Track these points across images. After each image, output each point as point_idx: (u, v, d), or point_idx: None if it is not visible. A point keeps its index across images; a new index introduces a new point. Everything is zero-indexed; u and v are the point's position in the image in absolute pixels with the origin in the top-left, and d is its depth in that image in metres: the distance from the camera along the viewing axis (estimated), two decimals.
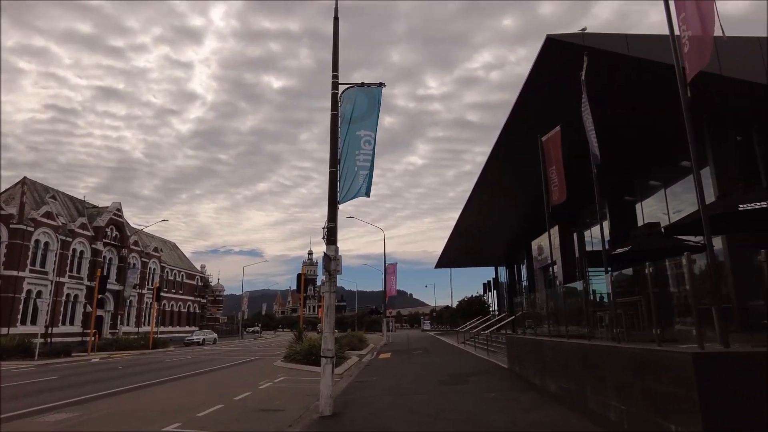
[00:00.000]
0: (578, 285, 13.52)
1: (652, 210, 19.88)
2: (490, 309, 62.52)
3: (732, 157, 14.47)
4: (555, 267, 23.35)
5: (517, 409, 8.36)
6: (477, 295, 62.56)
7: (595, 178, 10.42)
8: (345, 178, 9.41)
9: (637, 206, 21.06)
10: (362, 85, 9.99)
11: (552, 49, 12.87)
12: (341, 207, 9.44)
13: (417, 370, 15.39)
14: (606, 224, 23.37)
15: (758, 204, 6.85)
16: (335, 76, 9.87)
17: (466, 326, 32.13)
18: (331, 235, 9.12)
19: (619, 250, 10.40)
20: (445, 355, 21.00)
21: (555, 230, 23.05)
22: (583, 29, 12.76)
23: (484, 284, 43.58)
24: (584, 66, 10.58)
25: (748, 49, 13.52)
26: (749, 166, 14.56)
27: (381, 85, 10.01)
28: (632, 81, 13.52)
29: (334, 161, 9.53)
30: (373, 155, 9.49)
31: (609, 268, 8.74)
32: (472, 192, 24.98)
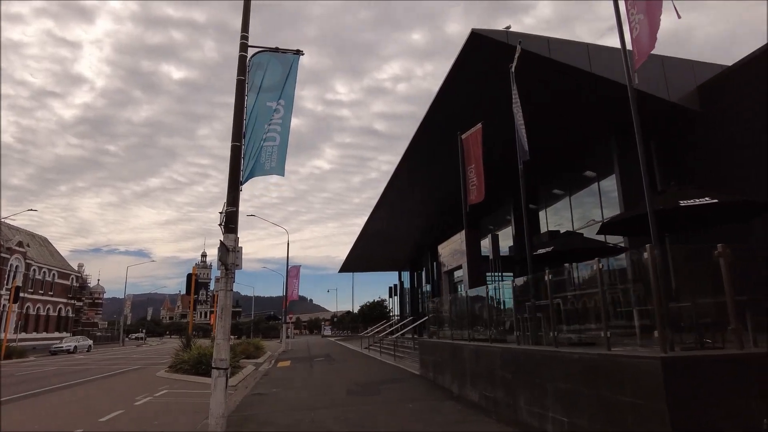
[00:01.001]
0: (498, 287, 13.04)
1: (555, 218, 20.37)
2: (391, 314, 62.73)
3: (635, 163, 14.90)
4: (461, 271, 23.19)
5: (442, 423, 7.37)
6: (379, 300, 62.42)
7: (521, 174, 9.88)
8: (250, 154, 7.90)
9: (541, 213, 21.56)
10: (276, 50, 8.55)
11: (476, 44, 12.37)
12: (244, 189, 7.91)
13: (321, 379, 14.02)
14: (510, 230, 23.77)
15: (698, 200, 6.50)
16: (244, 37, 8.34)
17: (370, 331, 31.22)
18: (230, 222, 7.56)
19: (541, 251, 9.93)
20: (350, 361, 19.81)
21: (462, 234, 22.94)
22: (508, 27, 12.40)
23: (390, 288, 43.07)
24: (516, 56, 10.03)
25: (653, 66, 14.03)
26: (649, 175, 15.12)
27: (298, 52, 8.64)
28: (548, 86, 13.42)
29: (238, 134, 7.98)
30: (287, 129, 8.08)
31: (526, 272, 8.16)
32: (382, 194, 24.21)
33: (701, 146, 13.89)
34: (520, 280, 8.53)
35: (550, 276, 6.85)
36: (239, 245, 7.73)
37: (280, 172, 7.83)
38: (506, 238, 23.80)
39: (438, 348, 11.44)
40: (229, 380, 14.02)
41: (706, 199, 6.47)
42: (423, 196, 23.90)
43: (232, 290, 7.50)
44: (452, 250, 24.31)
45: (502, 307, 9.12)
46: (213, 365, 7.12)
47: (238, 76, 8.34)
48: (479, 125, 12.49)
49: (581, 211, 18.17)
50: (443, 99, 14.44)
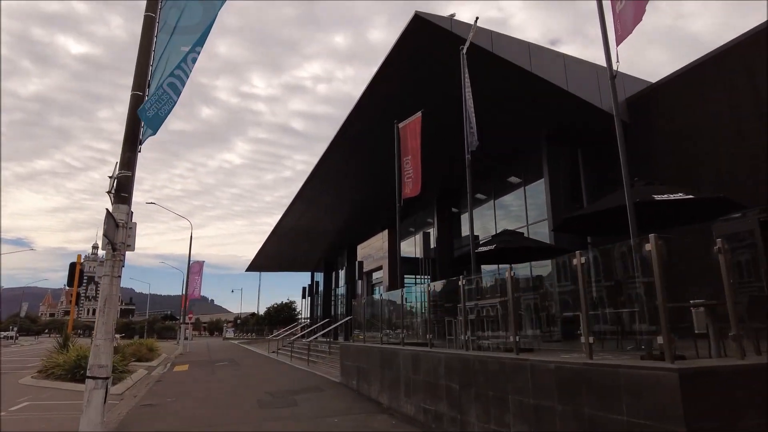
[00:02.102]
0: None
1: (479, 222, 20.08)
2: (299, 316, 60.51)
3: (564, 171, 14.85)
4: (381, 272, 22.27)
5: None
6: (287, 301, 59.98)
7: (468, 164, 9.03)
8: (152, 105, 6.22)
9: (463, 217, 21.23)
10: None
11: (417, 29, 11.47)
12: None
13: (226, 387, 12.25)
14: (433, 231, 23.24)
15: (672, 196, 5.93)
16: None
17: (280, 334, 29.29)
18: (122, 190, 5.85)
19: (482, 249, 9.14)
20: (258, 366, 17.99)
21: (384, 234, 22.08)
22: (452, 15, 11.65)
23: (304, 288, 41.16)
24: (470, 35, 9.18)
25: (588, 74, 14.01)
26: (575, 181, 15.15)
27: None
28: (485, 82, 12.84)
29: (142, 82, 6.29)
30: (185, 82, 6.46)
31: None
32: (301, 188, 22.65)
33: (629, 155, 14.03)
34: (469, 280, 7.59)
35: (513, 273, 5.93)
36: (133, 220, 6.04)
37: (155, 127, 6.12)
38: (419, 242, 23.29)
39: (363, 353, 10.25)
40: (116, 387, 11.80)
41: (680, 194, 5.92)
42: (345, 192, 22.68)
43: (119, 277, 5.77)
44: (373, 250, 23.35)
45: (443, 309, 8.13)
46: (88, 373, 5.37)
47: (147, 11, 6.66)
48: (419, 114, 11.58)
49: (506, 216, 17.96)
50: (377, 85, 13.37)
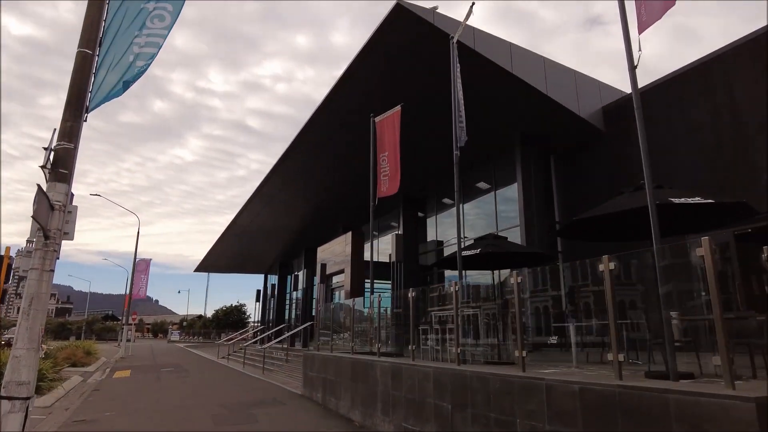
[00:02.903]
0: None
1: (445, 227, 19.57)
2: (250, 320, 58.36)
3: (537, 177, 14.52)
4: (342, 276, 21.35)
5: None
6: (237, 304, 57.74)
7: (456, 162, 8.37)
8: (108, 68, 5.18)
9: (429, 221, 20.67)
10: None
11: (398, 19, 10.82)
12: (89, 121, 5.17)
13: (173, 397, 11.02)
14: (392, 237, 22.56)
15: (690, 199, 5.43)
16: None
17: (232, 338, 27.73)
18: (62, 165, 4.76)
19: (467, 253, 8.49)
20: (208, 373, 16.64)
21: (348, 237, 21.17)
22: (435, 7, 11.08)
23: (258, 291, 39.50)
24: (463, 23, 8.53)
25: (566, 79, 13.75)
26: (547, 188, 14.86)
27: None
28: (462, 82, 12.33)
29: (92, 38, 5.22)
30: (160, 46, 5.44)
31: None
32: (260, 185, 21.50)
33: (603, 164, 13.90)
34: (464, 285, 6.89)
35: (519, 279, 5.25)
36: (74, 204, 4.96)
37: (119, 92, 5.15)
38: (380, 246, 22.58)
39: (331, 364, 9.34)
40: (44, 398, 10.31)
41: (698, 198, 5.44)
42: (308, 190, 21.68)
43: (52, 271, 4.66)
44: (333, 253, 22.38)
45: (432, 318, 7.39)
46: (2, 392, 4.25)
47: None
48: (398, 108, 10.87)
49: (475, 222, 17.50)
50: (351, 77, 12.59)
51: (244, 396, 10.87)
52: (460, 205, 17.58)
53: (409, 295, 7.33)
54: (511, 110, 13.58)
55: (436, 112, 13.00)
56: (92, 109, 5.04)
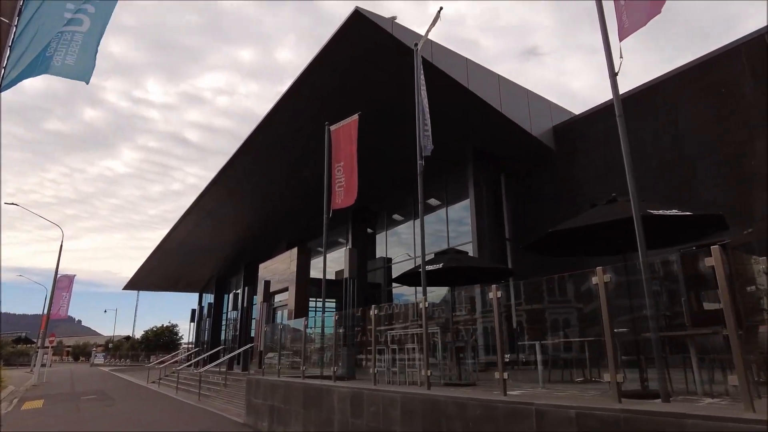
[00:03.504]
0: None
1: (393, 244, 19.18)
2: (182, 341, 55.10)
3: (488, 194, 14.49)
4: (286, 294, 20.35)
5: None
6: (169, 324, 54.51)
7: (419, 172, 7.98)
8: (30, 38, 4.34)
9: (379, 237, 20.21)
10: None
11: (357, 25, 10.47)
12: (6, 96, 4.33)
13: (94, 430, 9.71)
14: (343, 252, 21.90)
15: (667, 211, 5.27)
16: None
17: (164, 361, 25.73)
18: None
19: (430, 267, 8.03)
20: (137, 400, 15.07)
21: (293, 253, 20.27)
22: (394, 17, 10.87)
23: (193, 310, 37.21)
24: (431, 26, 8.21)
25: (519, 98, 13.88)
26: (498, 205, 14.86)
27: None
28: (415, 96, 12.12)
29: (10, 7, 4.38)
30: (108, 13, 4.68)
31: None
32: (199, 196, 20.27)
33: (552, 183, 14.05)
34: (441, 302, 6.41)
35: (499, 294, 4.82)
36: None
37: (83, 75, 4.41)
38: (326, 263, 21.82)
39: (280, 389, 8.52)
40: None
41: (675, 210, 5.29)
42: (251, 202, 20.65)
43: None
44: (276, 271, 21.34)
45: (387, 338, 6.84)
46: None
47: None
48: (355, 117, 10.39)
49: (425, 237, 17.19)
50: (304, 83, 12.04)
51: (179, 427, 9.75)
52: (417, 220, 17.40)
53: (371, 313, 6.75)
54: (465, 126, 13.48)
55: (391, 123, 12.71)
56: (10, 86, 4.16)
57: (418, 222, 17.72)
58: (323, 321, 9.27)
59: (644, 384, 5.30)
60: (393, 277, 10.91)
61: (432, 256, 10.04)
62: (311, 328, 10.64)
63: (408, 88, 11.65)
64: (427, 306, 5.71)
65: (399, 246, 18.89)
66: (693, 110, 11.14)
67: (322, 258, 23.44)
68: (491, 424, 4.34)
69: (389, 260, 19.32)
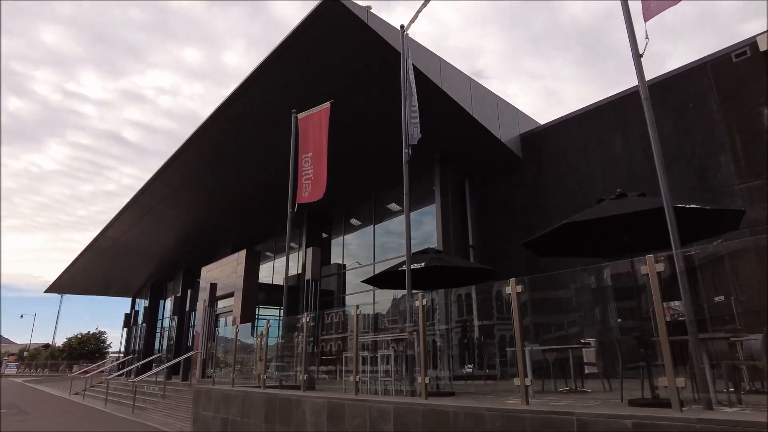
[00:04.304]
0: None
1: (350, 250, 18.36)
2: (110, 349, 51.08)
3: (454, 198, 14.06)
4: (232, 299, 18.96)
5: None
6: (96, 331, 50.48)
7: (405, 161, 7.31)
8: None
9: (335, 241, 19.31)
10: None
11: (330, 10, 9.76)
12: None
13: None
14: (301, 254, 20.84)
15: (687, 205, 4.87)
16: None
17: (89, 371, 23.31)
18: None
19: (416, 266, 7.34)
20: (57, 415, 13.19)
21: (240, 255, 18.96)
22: (368, 7, 10.26)
23: (127, 315, 34.38)
24: (420, 9, 7.62)
25: (489, 100, 13.60)
26: (463, 210, 14.45)
27: None
28: (380, 91, 11.53)
29: None
30: None
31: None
32: (138, 193, 18.61)
33: (518, 190, 13.82)
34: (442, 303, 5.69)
35: (519, 288, 4.19)
36: None
37: None
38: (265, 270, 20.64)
39: (236, 400, 7.47)
40: None
41: (694, 204, 4.91)
42: (195, 200, 19.13)
43: None
44: (223, 273, 19.90)
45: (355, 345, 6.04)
46: None
47: None
48: (327, 105, 9.62)
49: (385, 243, 16.52)
50: (268, 69, 11.10)
51: None
52: (376, 225, 16.66)
53: (353, 313, 5.93)
54: (433, 128, 12.93)
55: (354, 120, 12.00)
56: None
57: (377, 228, 17.09)
58: (293, 325, 8.31)
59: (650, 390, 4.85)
60: (362, 280, 10.18)
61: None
62: (270, 336, 9.63)
63: (376, 81, 11.06)
64: (425, 304, 4.99)
65: (356, 252, 18.08)
66: (660, 124, 11.19)
67: (270, 263, 22.30)
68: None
69: (343, 266, 18.47)
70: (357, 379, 5.61)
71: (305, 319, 6.80)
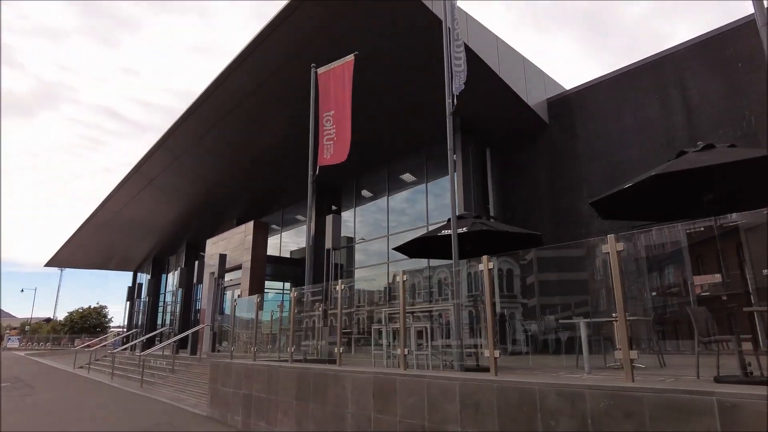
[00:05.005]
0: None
1: (361, 224, 17.65)
2: (111, 324, 50.80)
3: (476, 167, 13.31)
4: (239, 272, 18.34)
5: None
6: (97, 306, 50.09)
7: (450, 111, 6.53)
8: None
9: (346, 215, 18.57)
10: None
11: None
12: None
13: (8, 429, 7.57)
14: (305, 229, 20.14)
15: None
16: None
17: (92, 345, 22.81)
18: None
19: (446, 232, 6.64)
20: (64, 389, 12.62)
21: (248, 227, 18.24)
22: None
23: (130, 288, 33.85)
24: None
25: (517, 63, 12.72)
26: (484, 181, 13.73)
27: None
28: (399, 52, 10.64)
29: None
30: None
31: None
32: (141, 161, 17.77)
33: (543, 158, 13.07)
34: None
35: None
36: None
37: None
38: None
39: (260, 375, 6.82)
40: None
41: None
42: (201, 170, 18.28)
43: None
44: (229, 245, 19.21)
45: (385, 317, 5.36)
46: None
47: None
48: (350, 58, 8.78)
49: (398, 218, 15.79)
50: (283, 21, 10.16)
51: (122, 422, 7.78)
52: (390, 196, 15.79)
53: (400, 279, 5.23)
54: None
55: (372, 80, 11.13)
56: None
57: (390, 201, 16.33)
58: (332, 292, 7.60)
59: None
60: (394, 247, 9.46)
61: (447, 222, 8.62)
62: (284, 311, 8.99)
63: (401, 37, 10.16)
64: (491, 268, 4.29)
65: (368, 225, 17.37)
66: (705, 85, 10.40)
67: (277, 236, 21.59)
68: (631, 422, 3.00)
69: (350, 240, 17.80)
70: (405, 353, 4.94)
71: (340, 286, 6.11)
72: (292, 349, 6.65)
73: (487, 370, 5.01)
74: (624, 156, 11.42)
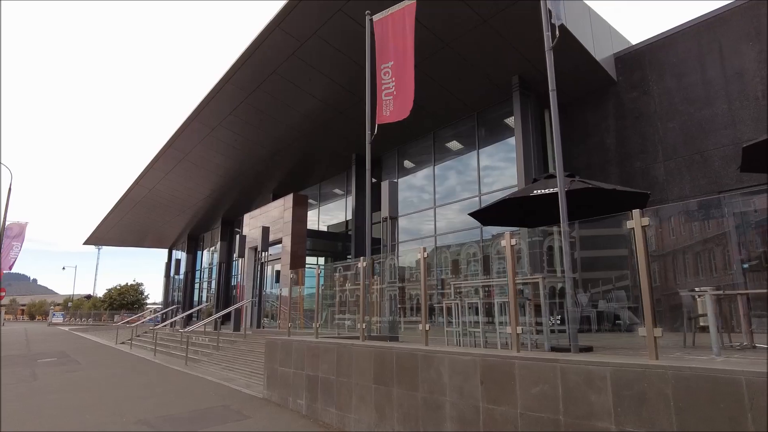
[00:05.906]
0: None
1: (404, 195, 16.71)
2: (148, 300, 51.64)
3: (535, 132, 12.17)
4: (279, 247, 17.72)
5: None
6: (134, 283, 50.84)
7: (549, 46, 5.49)
8: None
9: (385, 184, 17.66)
10: None
11: None
12: None
13: (57, 408, 7.03)
14: (345, 202, 19.44)
15: None
16: None
17: (133, 321, 22.73)
18: None
19: (540, 192, 5.66)
20: (109, 366, 12.25)
21: (288, 200, 17.53)
22: None
23: (167, 264, 33.96)
24: None
25: (581, 12, 11.44)
26: (543, 142, 12.62)
27: None
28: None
29: None
30: None
31: None
32: (174, 135, 17.13)
33: (610, 118, 11.85)
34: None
35: None
36: None
37: None
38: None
39: (328, 354, 6.04)
40: None
41: None
42: (234, 144, 17.49)
43: None
44: (268, 219, 18.58)
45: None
46: None
47: None
48: (412, 1, 7.72)
49: (446, 187, 14.78)
50: None
51: (175, 402, 7.18)
52: (435, 165, 14.69)
53: (507, 243, 4.30)
54: (513, 46, 10.86)
55: (422, 32, 10.04)
56: None
57: (436, 169, 15.31)
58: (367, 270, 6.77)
59: None
60: (469, 213, 8.54)
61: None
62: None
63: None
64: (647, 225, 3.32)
65: (409, 199, 16.43)
66: None
67: (315, 210, 20.87)
68: None
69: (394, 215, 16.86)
70: (519, 331, 4.04)
71: (423, 254, 5.21)
72: (363, 325, 5.82)
73: (589, 350, 4.12)
74: (708, 112, 10.14)
